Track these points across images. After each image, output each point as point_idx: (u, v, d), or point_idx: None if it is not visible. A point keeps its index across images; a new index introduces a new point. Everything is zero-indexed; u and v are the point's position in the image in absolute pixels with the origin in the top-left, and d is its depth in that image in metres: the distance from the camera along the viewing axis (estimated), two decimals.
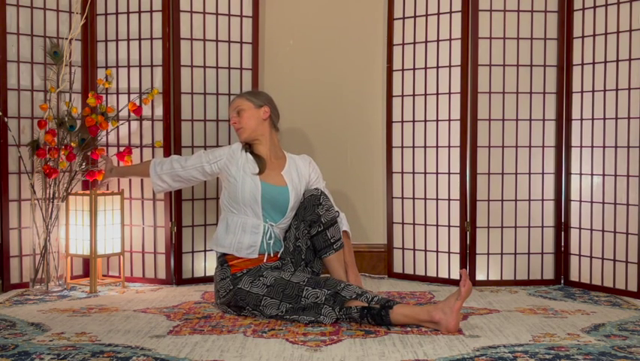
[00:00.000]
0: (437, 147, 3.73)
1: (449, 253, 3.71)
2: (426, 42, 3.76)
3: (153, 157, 3.69)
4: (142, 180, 3.73)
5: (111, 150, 3.73)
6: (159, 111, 3.69)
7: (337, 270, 3.11)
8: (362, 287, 3.03)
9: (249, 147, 3.20)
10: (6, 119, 3.50)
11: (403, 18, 3.82)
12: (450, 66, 3.69)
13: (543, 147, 3.67)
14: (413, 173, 3.80)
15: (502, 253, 3.67)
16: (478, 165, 3.64)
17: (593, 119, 3.54)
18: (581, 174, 3.60)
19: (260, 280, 2.94)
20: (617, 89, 3.44)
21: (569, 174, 3.65)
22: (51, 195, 3.53)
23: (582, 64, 3.58)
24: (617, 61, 3.43)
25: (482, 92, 3.64)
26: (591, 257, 3.55)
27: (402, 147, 3.83)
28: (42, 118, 3.53)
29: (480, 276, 3.65)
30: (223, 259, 3.06)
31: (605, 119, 3.49)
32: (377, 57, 4.00)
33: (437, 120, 3.74)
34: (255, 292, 2.92)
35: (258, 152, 3.19)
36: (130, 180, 3.75)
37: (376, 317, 2.74)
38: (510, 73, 3.64)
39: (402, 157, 3.83)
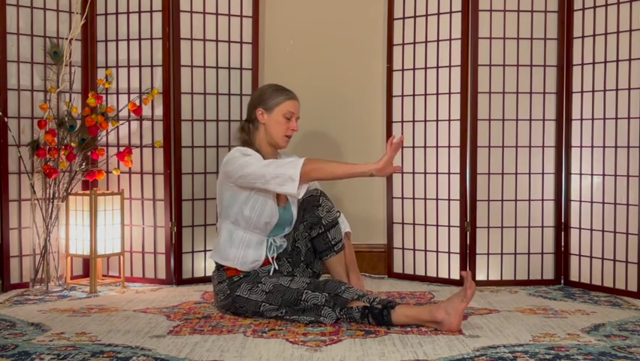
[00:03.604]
0: (437, 147, 3.73)
1: (449, 253, 3.71)
2: (426, 42, 3.76)
3: (153, 157, 3.70)
4: (142, 178, 3.73)
5: (111, 150, 3.73)
6: (159, 111, 3.69)
7: (339, 272, 3.10)
8: (364, 289, 3.02)
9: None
10: (6, 119, 3.50)
11: (403, 18, 3.82)
12: (450, 66, 3.69)
13: (543, 147, 3.67)
14: (413, 173, 3.80)
15: (502, 253, 3.67)
16: (478, 165, 3.64)
17: (593, 119, 3.54)
18: (581, 174, 3.60)
19: (258, 287, 2.91)
20: (617, 89, 3.43)
21: (569, 174, 3.65)
22: (51, 195, 3.53)
23: (582, 64, 3.58)
24: (617, 61, 3.43)
25: (482, 92, 3.64)
26: (591, 257, 3.55)
27: (402, 147, 3.83)
28: (42, 118, 3.53)
29: (480, 276, 3.65)
30: (219, 263, 3.03)
31: (605, 119, 3.49)
32: (377, 57, 4.00)
33: (437, 120, 3.74)
34: (254, 299, 2.91)
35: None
36: (130, 178, 3.75)
37: (377, 317, 2.73)
38: (510, 73, 3.64)
39: (402, 157, 3.83)
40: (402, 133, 3.82)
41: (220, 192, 3.02)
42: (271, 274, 2.98)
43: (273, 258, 3.01)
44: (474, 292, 2.69)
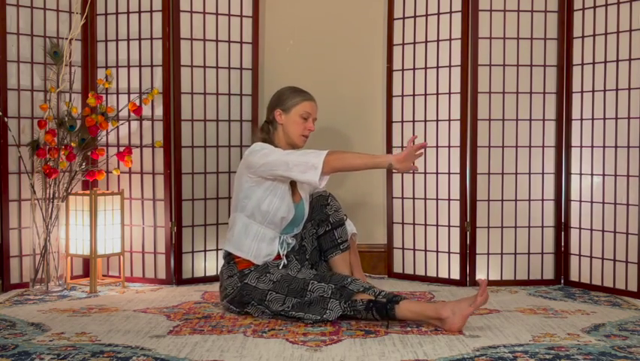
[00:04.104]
0: (437, 147, 3.73)
1: (449, 253, 3.71)
2: (426, 42, 3.76)
3: (153, 157, 3.70)
4: (142, 178, 3.73)
5: (111, 150, 3.73)
6: (159, 111, 3.69)
7: (343, 271, 3.12)
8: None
9: None
10: (6, 119, 3.50)
11: (403, 18, 3.82)
12: (450, 66, 3.69)
13: (543, 147, 3.67)
14: (413, 173, 3.79)
15: (502, 253, 3.67)
16: (478, 165, 3.64)
17: (593, 119, 3.54)
18: (581, 174, 3.60)
19: (267, 277, 2.94)
20: (617, 89, 3.43)
21: (569, 174, 3.65)
22: (51, 195, 3.53)
23: (582, 64, 3.58)
24: (617, 61, 3.43)
25: (482, 92, 3.64)
26: (591, 257, 3.55)
27: (402, 147, 3.82)
28: (42, 118, 3.53)
29: (480, 276, 3.65)
30: (230, 257, 3.05)
31: (605, 119, 3.49)
32: (377, 57, 4.00)
33: (437, 120, 3.74)
34: (261, 288, 2.92)
35: None
36: (130, 178, 3.75)
37: (381, 311, 2.73)
38: (510, 73, 3.64)
39: None
40: (401, 133, 3.82)
41: (238, 184, 3.06)
42: (280, 268, 3.01)
43: (283, 254, 3.04)
44: (485, 300, 2.68)
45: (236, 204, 3.06)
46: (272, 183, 2.99)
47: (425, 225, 3.78)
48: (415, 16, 3.79)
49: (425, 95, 3.77)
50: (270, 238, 3.03)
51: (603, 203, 3.49)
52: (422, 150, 2.93)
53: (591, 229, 3.55)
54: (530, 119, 3.66)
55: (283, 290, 2.88)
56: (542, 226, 3.67)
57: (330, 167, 2.88)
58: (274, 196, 3.00)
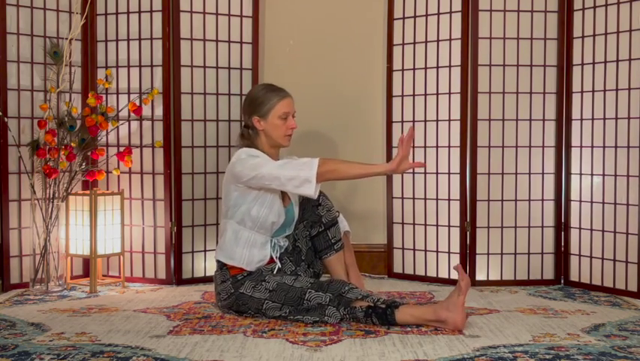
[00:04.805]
0: (437, 147, 3.73)
1: (449, 253, 3.71)
2: (426, 42, 3.76)
3: (153, 157, 3.70)
4: (142, 178, 3.73)
5: (111, 150, 3.73)
6: (159, 111, 3.69)
7: (338, 271, 3.11)
8: (364, 288, 3.02)
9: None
10: (6, 119, 3.50)
11: (403, 18, 3.83)
12: (450, 66, 3.69)
13: (543, 147, 3.67)
14: (413, 173, 3.80)
15: (502, 253, 3.67)
16: (478, 165, 3.64)
17: (593, 119, 3.54)
18: (581, 174, 3.60)
19: (262, 285, 2.92)
20: (617, 89, 3.44)
21: (569, 174, 3.65)
22: (51, 195, 3.53)
23: (582, 64, 3.58)
24: (617, 61, 3.43)
25: (482, 92, 3.64)
26: (591, 257, 3.55)
27: (413, 142, 3.81)
28: (42, 118, 3.53)
29: (480, 276, 3.65)
30: (221, 263, 3.03)
31: (605, 119, 3.49)
32: (377, 57, 4.00)
33: (437, 120, 3.74)
34: (258, 297, 2.91)
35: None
36: (130, 178, 3.75)
37: (381, 316, 2.73)
38: (510, 73, 3.64)
39: None
40: (401, 133, 3.81)
41: (226, 192, 3.02)
42: (275, 272, 2.99)
43: (276, 257, 3.02)
44: (469, 283, 2.70)
45: (226, 211, 3.03)
46: (259, 192, 2.95)
47: (425, 225, 3.78)
48: (415, 16, 3.79)
49: (425, 95, 3.77)
50: (262, 243, 3.00)
51: (603, 203, 3.49)
52: (411, 140, 2.88)
53: (591, 229, 3.55)
54: (530, 119, 3.66)
55: (280, 299, 2.87)
56: (542, 226, 3.67)
57: (324, 179, 2.85)
58: (262, 205, 2.96)
